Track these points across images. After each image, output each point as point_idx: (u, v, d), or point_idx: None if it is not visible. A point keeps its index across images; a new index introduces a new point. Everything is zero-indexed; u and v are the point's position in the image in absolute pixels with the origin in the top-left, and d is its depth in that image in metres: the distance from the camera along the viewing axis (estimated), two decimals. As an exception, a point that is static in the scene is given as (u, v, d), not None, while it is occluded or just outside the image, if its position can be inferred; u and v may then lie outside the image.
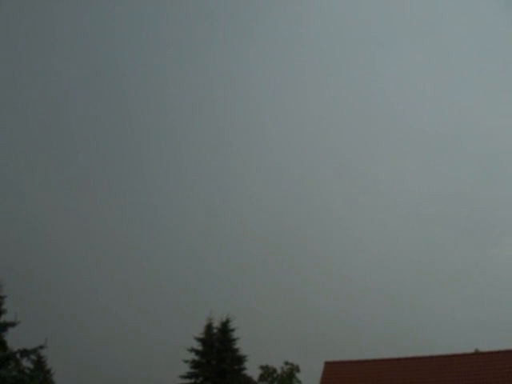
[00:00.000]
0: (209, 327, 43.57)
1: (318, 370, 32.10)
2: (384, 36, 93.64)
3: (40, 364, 43.58)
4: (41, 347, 30.09)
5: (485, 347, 31.70)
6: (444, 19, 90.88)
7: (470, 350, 32.05)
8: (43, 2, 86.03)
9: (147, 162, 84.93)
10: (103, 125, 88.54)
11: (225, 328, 43.57)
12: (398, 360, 30.93)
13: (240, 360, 43.11)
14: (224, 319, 43.71)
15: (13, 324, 30.09)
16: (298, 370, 52.17)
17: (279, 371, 51.63)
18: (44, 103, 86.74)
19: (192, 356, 42.66)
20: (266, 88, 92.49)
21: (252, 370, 46.68)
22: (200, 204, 79.91)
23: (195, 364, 42.52)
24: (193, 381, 42.33)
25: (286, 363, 52.04)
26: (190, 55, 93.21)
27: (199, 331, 43.38)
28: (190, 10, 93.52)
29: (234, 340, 43.44)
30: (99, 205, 77.73)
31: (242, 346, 43.75)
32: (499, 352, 29.08)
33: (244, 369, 43.47)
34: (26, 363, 33.18)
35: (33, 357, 33.42)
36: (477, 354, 31.45)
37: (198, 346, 42.92)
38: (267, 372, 51.27)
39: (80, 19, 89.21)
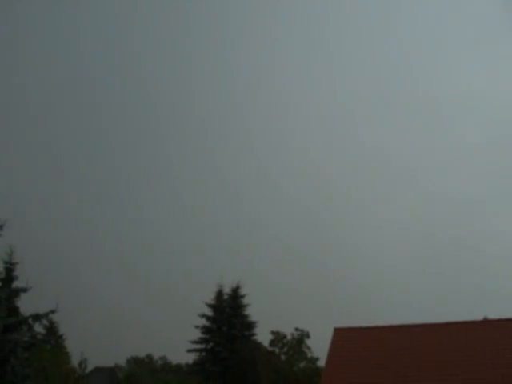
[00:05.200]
0: (219, 293, 43.81)
1: (328, 337, 32.18)
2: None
3: (52, 330, 44.01)
4: (52, 311, 30.11)
5: (493, 314, 31.63)
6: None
7: (478, 317, 31.96)
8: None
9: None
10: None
11: (235, 294, 43.83)
12: (408, 326, 30.81)
13: (250, 326, 43.44)
14: (234, 285, 43.98)
15: (24, 289, 30.12)
16: (307, 336, 52.50)
17: (289, 337, 52.01)
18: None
19: (203, 322, 43.09)
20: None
21: (262, 335, 47.11)
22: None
23: (206, 330, 42.88)
24: (203, 346, 42.73)
25: (296, 329, 52.36)
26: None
27: (210, 297, 43.75)
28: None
29: (245, 306, 43.75)
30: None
31: (254, 312, 44.14)
32: (508, 319, 28.97)
33: (254, 334, 43.84)
34: (38, 328, 33.45)
35: (45, 322, 33.69)
36: (485, 321, 31.34)
37: (208, 311, 43.28)
38: (278, 338, 51.65)
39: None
